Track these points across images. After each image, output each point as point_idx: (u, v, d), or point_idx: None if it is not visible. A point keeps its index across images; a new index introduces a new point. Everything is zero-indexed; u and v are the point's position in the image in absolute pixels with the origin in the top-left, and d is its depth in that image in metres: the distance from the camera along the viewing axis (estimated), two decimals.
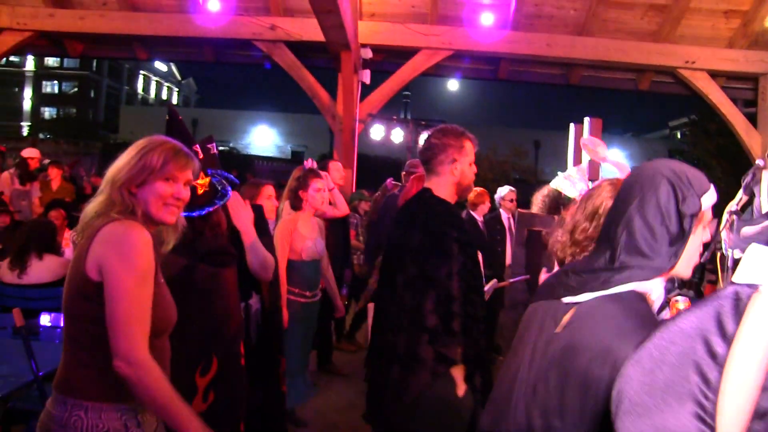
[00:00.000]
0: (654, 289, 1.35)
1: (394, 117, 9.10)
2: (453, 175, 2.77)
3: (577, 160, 5.55)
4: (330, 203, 5.20)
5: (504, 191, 6.77)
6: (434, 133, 2.85)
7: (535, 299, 1.41)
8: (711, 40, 8.39)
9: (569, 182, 4.27)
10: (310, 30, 7.73)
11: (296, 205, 4.42)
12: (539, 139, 32.23)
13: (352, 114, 8.29)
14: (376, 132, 8.73)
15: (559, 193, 4.33)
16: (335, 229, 5.62)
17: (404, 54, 8.64)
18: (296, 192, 4.42)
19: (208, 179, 2.60)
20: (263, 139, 39.13)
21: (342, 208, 5.47)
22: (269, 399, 3.56)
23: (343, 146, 8.31)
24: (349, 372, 5.83)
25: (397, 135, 8.71)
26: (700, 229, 1.36)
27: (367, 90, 8.72)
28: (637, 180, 1.28)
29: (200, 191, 2.53)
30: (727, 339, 0.66)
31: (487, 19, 8.07)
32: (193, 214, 2.46)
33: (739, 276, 0.70)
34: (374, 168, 9.93)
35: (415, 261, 2.60)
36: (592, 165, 4.84)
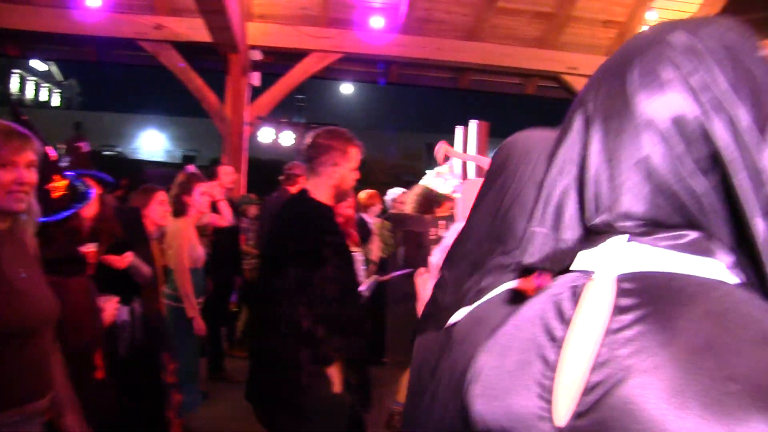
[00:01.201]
0: None
1: (284, 119, 8.98)
2: (332, 178, 2.76)
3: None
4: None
5: (395, 193, 6.82)
6: (321, 133, 2.83)
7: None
8: (591, 47, 8.78)
9: (441, 179, 4.32)
10: (197, 31, 7.50)
11: (180, 211, 4.34)
12: (431, 142, 32.84)
13: (241, 117, 8.14)
14: (266, 135, 8.61)
15: (431, 191, 4.38)
16: (224, 234, 5.52)
17: (294, 56, 8.57)
18: (180, 197, 4.34)
19: (66, 181, 2.42)
20: (152, 143, 37.93)
21: (227, 219, 5.42)
22: (152, 409, 3.43)
23: (232, 150, 8.15)
24: (242, 379, 5.67)
25: (287, 138, 8.61)
26: None
27: (257, 92, 8.59)
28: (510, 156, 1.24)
29: (56, 194, 2.35)
30: (565, 322, 0.69)
31: (377, 22, 8.13)
32: (48, 219, 2.27)
33: (576, 264, 0.74)
34: (264, 171, 9.80)
35: (289, 264, 2.59)
36: (463, 165, 4.95)
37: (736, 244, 0.66)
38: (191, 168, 4.80)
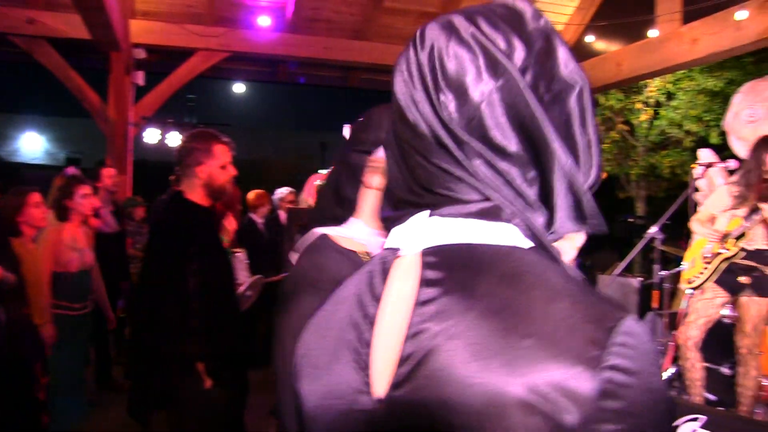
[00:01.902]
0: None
1: (170, 120, 8.78)
2: (200, 177, 2.83)
3: None
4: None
5: (282, 192, 6.81)
6: (186, 136, 2.96)
7: None
8: None
9: None
10: (75, 27, 7.17)
11: (63, 215, 4.22)
12: (325, 141, 32.83)
13: (125, 117, 7.88)
14: (151, 136, 8.39)
15: None
16: (109, 238, 5.36)
17: (180, 55, 8.39)
18: (61, 202, 4.22)
19: None
20: (32, 145, 36.00)
21: (110, 225, 5.30)
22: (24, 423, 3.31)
23: (116, 151, 7.88)
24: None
25: (174, 139, 8.43)
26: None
27: (141, 92, 8.35)
28: None
29: None
30: (376, 299, 0.73)
31: (264, 21, 8.09)
32: None
33: (387, 242, 0.78)
34: (152, 173, 9.53)
35: (157, 262, 2.67)
36: None
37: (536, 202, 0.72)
38: (71, 170, 4.65)
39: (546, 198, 0.72)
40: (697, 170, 4.34)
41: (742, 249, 4.17)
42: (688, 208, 4.47)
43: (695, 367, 4.28)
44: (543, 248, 0.72)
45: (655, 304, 4.62)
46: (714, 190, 5.43)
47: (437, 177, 0.72)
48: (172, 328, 2.55)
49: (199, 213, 2.83)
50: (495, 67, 0.71)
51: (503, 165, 0.71)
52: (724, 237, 4.24)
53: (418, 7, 8.62)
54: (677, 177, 11.63)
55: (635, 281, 7.12)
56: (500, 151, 0.70)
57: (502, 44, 0.72)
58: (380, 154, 1.45)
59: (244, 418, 3.03)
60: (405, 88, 0.75)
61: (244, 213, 6.27)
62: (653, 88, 11.89)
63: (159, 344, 2.57)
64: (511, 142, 0.70)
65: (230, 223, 4.63)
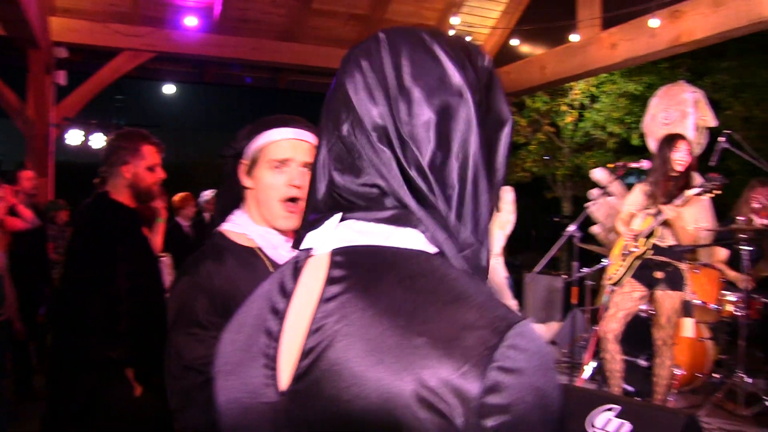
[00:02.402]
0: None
1: (94, 121, 8.55)
2: (125, 178, 2.79)
3: None
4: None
5: (209, 195, 6.74)
6: (113, 136, 2.92)
7: None
8: None
9: None
10: None
11: None
12: None
13: (46, 118, 7.63)
14: (74, 137, 8.15)
15: None
16: (28, 242, 5.19)
17: (104, 54, 8.18)
18: None
19: None
20: None
21: (28, 219, 5.10)
22: None
23: (35, 153, 7.61)
24: None
25: (98, 140, 8.21)
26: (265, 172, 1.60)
27: (64, 92, 8.10)
28: None
29: None
30: (287, 296, 0.77)
31: (191, 21, 7.97)
32: None
33: (303, 244, 0.82)
34: (76, 175, 9.27)
35: (82, 264, 2.60)
36: None
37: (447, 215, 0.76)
38: None
39: (460, 214, 0.76)
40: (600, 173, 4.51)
41: (655, 245, 4.36)
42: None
43: (615, 359, 4.45)
44: (446, 255, 0.76)
45: (574, 300, 4.77)
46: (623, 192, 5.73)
47: (358, 181, 0.76)
48: (100, 332, 2.48)
49: (125, 213, 2.77)
50: (450, 83, 0.76)
51: (430, 176, 0.74)
52: (637, 236, 4.43)
53: (346, 9, 8.65)
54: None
55: (560, 279, 7.34)
56: (430, 164, 0.74)
57: (459, 65, 0.77)
58: (248, 156, 1.62)
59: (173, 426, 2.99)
60: (363, 92, 0.78)
61: (170, 216, 6.17)
62: (578, 91, 12.24)
63: (85, 349, 2.50)
64: (439, 157, 0.75)
65: (156, 227, 4.55)
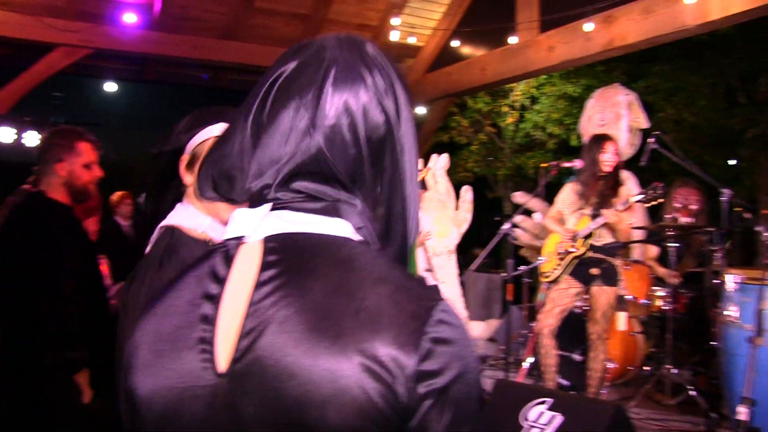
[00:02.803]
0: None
1: (28, 118, 8.32)
2: (60, 176, 2.73)
3: None
4: None
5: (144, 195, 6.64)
6: (48, 133, 2.86)
7: None
8: None
9: None
10: None
11: None
12: None
13: None
14: (6, 135, 7.92)
15: None
16: None
17: (38, 50, 7.95)
18: None
19: None
20: None
21: None
22: None
23: None
24: None
25: (32, 138, 7.99)
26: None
27: None
28: None
29: None
30: (220, 282, 0.80)
31: (130, 18, 7.83)
32: None
33: (230, 232, 0.85)
34: (8, 174, 8.99)
35: (23, 267, 2.52)
36: None
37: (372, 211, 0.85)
38: None
39: (385, 207, 0.85)
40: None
41: (591, 245, 4.50)
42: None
43: (549, 353, 4.56)
44: (371, 243, 0.83)
45: (510, 297, 4.89)
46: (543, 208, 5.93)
47: (302, 174, 0.82)
48: (56, 335, 2.41)
49: (63, 212, 2.70)
50: (373, 89, 0.84)
51: (355, 172, 0.83)
52: (574, 236, 4.56)
53: (289, 9, 8.62)
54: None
55: (499, 277, 7.47)
56: (355, 161, 0.82)
57: (379, 71, 0.86)
58: (188, 151, 1.63)
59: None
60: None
61: (108, 215, 6.06)
62: (518, 92, 12.45)
63: (41, 354, 2.41)
64: (362, 155, 0.83)
65: (92, 226, 4.47)
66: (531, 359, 5.24)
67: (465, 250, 11.71)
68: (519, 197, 7.30)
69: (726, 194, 4.65)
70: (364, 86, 0.83)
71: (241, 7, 8.35)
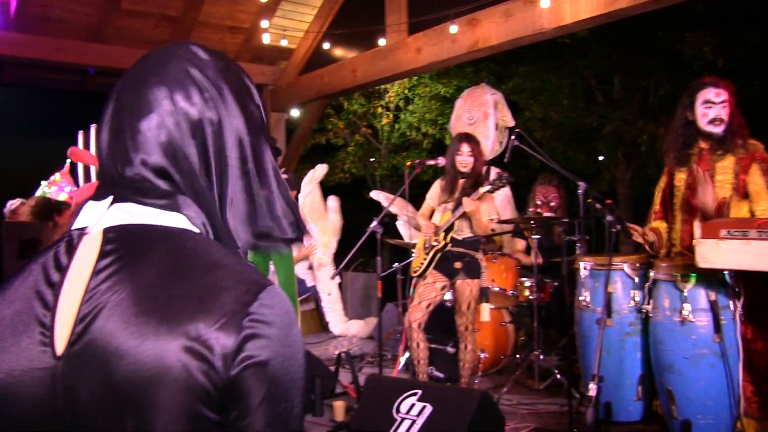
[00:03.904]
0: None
1: None
2: None
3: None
4: None
5: (14, 204, 6.29)
6: None
7: None
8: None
9: (56, 187, 4.24)
10: None
11: None
12: (62, 148, 30.61)
13: None
14: None
15: (49, 199, 4.30)
16: None
17: None
18: None
19: None
20: None
21: None
22: None
23: None
24: None
25: None
26: None
27: None
28: None
29: None
30: (61, 270, 0.84)
31: None
32: None
33: (77, 223, 0.90)
34: None
35: None
36: (85, 168, 4.84)
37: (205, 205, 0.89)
38: None
39: (223, 201, 0.91)
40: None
41: (453, 238, 4.66)
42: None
43: (420, 347, 4.68)
44: (208, 234, 0.89)
45: (380, 295, 4.99)
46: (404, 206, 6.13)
47: (134, 170, 0.87)
48: None
49: None
50: (216, 89, 0.91)
51: (195, 169, 0.89)
52: (436, 230, 4.71)
53: (158, 10, 8.38)
54: (418, 177, 12.46)
55: (376, 276, 7.58)
56: (197, 159, 0.88)
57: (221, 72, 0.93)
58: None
59: None
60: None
61: None
62: (393, 93, 12.67)
63: None
64: (204, 153, 0.89)
65: None
66: (407, 354, 5.36)
67: (346, 251, 11.83)
68: (374, 195, 7.50)
69: (581, 187, 4.93)
70: (190, 84, 0.89)
71: (106, 8, 8.05)
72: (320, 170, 7.50)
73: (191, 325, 0.75)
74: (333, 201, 7.67)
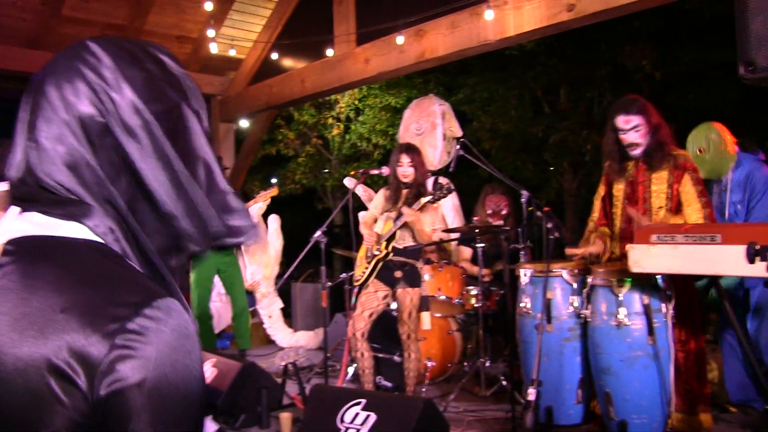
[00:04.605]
0: None
1: None
2: None
3: None
4: None
5: None
6: None
7: None
8: None
9: None
10: None
11: None
12: None
13: None
14: None
15: None
16: None
17: None
18: None
19: None
20: None
21: None
22: None
23: None
24: None
25: None
26: None
27: None
28: None
29: None
30: None
31: None
32: None
33: None
34: None
35: None
36: None
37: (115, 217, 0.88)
38: None
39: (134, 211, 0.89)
40: (348, 181, 4.80)
41: (394, 248, 4.68)
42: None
43: (364, 356, 4.68)
44: (108, 245, 0.87)
45: (324, 305, 4.98)
46: (371, 196, 6.12)
47: (43, 179, 0.85)
48: None
49: None
50: (138, 94, 0.89)
51: (102, 177, 0.87)
52: (378, 239, 4.73)
53: (102, 18, 8.25)
54: (369, 186, 12.47)
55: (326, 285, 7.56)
56: (102, 167, 0.87)
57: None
58: None
59: None
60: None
61: None
62: (343, 104, 12.69)
63: None
64: (109, 164, 0.87)
65: None
66: (355, 364, 5.36)
67: (292, 262, 11.79)
68: (347, 182, 7.46)
69: (524, 196, 5.02)
70: (78, 80, 0.87)
71: (48, 14, 7.89)
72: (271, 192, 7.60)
73: (62, 341, 0.73)
74: (274, 222, 7.63)
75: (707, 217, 3.75)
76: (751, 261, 2.05)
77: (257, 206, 6.70)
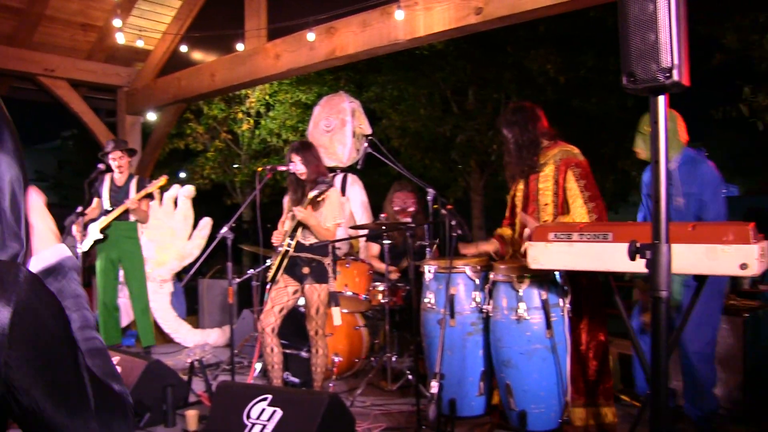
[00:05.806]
0: None
1: None
2: None
3: None
4: None
5: None
6: None
7: None
8: (71, 50, 8.56)
9: None
10: None
11: None
12: None
13: None
14: None
15: None
16: None
17: None
18: None
19: None
20: None
21: None
22: None
23: None
24: None
25: None
26: None
27: None
28: None
29: None
30: None
31: None
32: None
33: None
34: None
35: None
36: None
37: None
38: None
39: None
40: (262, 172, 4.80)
41: (300, 243, 4.70)
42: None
43: (274, 351, 4.69)
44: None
45: (230, 301, 4.95)
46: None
47: None
48: None
49: None
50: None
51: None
52: (285, 235, 4.74)
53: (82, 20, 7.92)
54: (278, 183, 12.42)
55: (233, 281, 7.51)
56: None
57: None
58: None
59: None
60: None
61: None
62: (253, 99, 12.55)
63: None
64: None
65: None
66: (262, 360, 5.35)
67: (209, 259, 11.63)
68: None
69: (430, 193, 5.14)
70: None
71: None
72: (188, 191, 7.48)
73: None
74: (205, 227, 7.63)
75: (592, 210, 3.93)
76: (632, 258, 2.20)
77: (168, 195, 6.63)
